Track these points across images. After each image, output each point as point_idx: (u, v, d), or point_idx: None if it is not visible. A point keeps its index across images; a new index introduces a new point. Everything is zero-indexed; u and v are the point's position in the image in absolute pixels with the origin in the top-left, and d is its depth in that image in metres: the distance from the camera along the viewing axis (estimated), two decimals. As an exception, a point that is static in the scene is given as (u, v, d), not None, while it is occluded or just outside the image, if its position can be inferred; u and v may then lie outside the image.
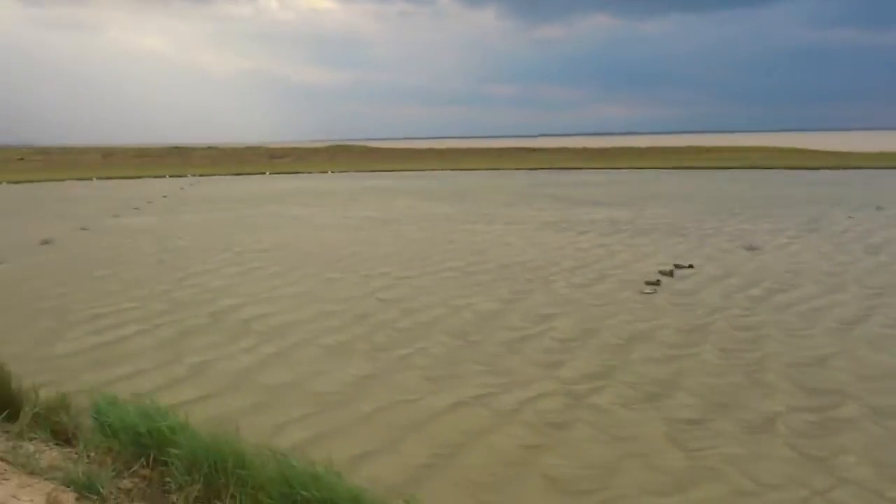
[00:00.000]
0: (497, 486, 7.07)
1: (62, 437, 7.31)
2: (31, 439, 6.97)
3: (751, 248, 20.90)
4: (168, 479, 6.19)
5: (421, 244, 22.62)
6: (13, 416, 7.53)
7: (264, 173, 70.65)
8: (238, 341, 12.09)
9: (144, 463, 6.46)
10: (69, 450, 6.94)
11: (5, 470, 5.81)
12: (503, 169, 72.34)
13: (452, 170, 72.51)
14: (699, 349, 11.39)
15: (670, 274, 17.09)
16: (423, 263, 19.16)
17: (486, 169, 72.80)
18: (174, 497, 5.90)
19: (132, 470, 6.40)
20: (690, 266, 18.11)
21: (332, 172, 71.46)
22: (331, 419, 8.75)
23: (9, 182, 59.85)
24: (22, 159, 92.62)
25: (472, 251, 21.14)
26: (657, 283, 16.17)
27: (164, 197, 42.92)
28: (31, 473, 5.93)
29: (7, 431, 7.17)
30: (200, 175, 68.04)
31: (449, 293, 15.47)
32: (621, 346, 11.58)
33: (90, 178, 63.81)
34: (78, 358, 11.21)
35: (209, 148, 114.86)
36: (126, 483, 6.16)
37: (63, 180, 61.95)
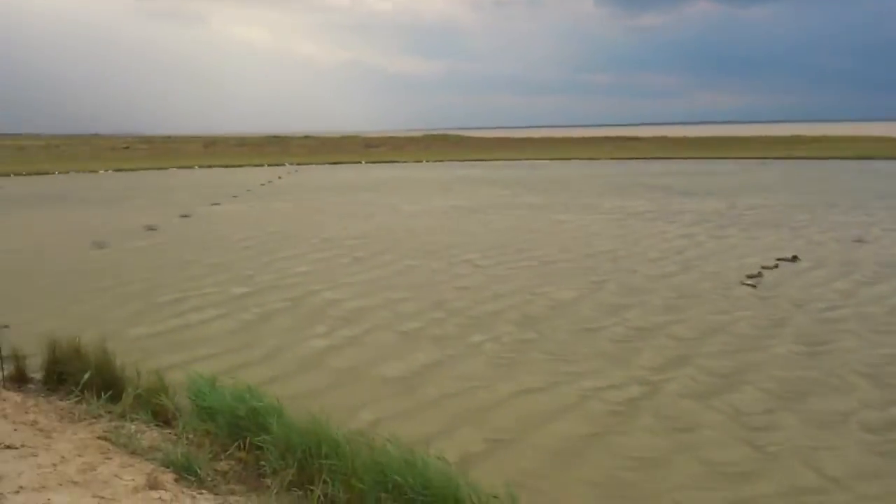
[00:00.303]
0: (549, 474, 7.12)
1: (162, 418, 7.55)
2: (132, 420, 7.22)
3: (857, 241, 20.20)
4: (263, 462, 6.31)
5: (505, 233, 22.74)
6: (116, 397, 7.80)
7: (360, 162, 71.40)
8: (314, 326, 12.41)
9: (240, 446, 6.60)
10: (168, 431, 7.16)
11: (108, 449, 6.01)
12: (598, 159, 71.55)
13: (546, 159, 72.02)
14: (781, 341, 11.24)
15: (774, 267, 16.57)
16: (505, 252, 19.27)
17: (580, 158, 72.14)
18: (269, 481, 6.00)
19: (228, 452, 6.53)
20: (795, 258, 17.54)
21: (427, 162, 71.76)
22: (396, 403, 8.92)
23: (115, 170, 61.85)
24: (127, 148, 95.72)
25: (555, 240, 21.17)
26: (759, 275, 15.72)
27: (262, 185, 43.79)
28: (133, 453, 6.14)
29: (110, 412, 7.43)
30: (298, 164, 69.13)
31: (527, 282, 15.57)
32: (697, 339, 11.47)
33: (192, 167, 65.48)
34: (162, 338, 11.68)
35: (307, 137, 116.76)
36: (223, 465, 6.31)
37: (166, 168, 63.77)
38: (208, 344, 11.32)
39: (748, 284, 14.93)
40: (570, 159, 71.42)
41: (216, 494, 5.65)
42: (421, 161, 72.88)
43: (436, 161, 72.33)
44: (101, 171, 60.70)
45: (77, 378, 8.32)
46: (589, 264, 17.48)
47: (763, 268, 16.53)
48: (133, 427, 6.97)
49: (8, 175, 55.05)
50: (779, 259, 17.46)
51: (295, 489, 5.89)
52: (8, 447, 5.79)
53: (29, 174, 57.07)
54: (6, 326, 9.08)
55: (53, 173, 58.28)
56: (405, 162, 71.76)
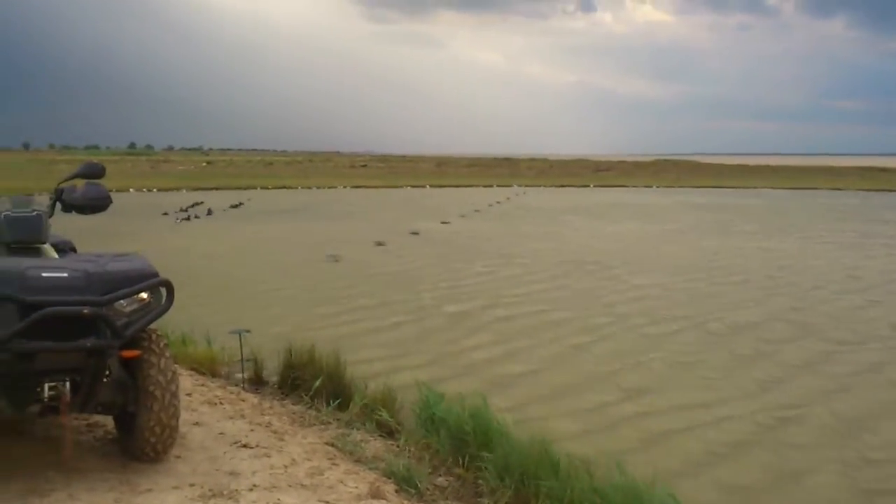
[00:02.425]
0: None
1: (385, 429, 7.71)
2: (358, 429, 7.39)
3: None
4: (481, 481, 6.28)
5: (689, 258, 22.48)
6: (344, 405, 8.06)
7: (588, 186, 71.05)
8: (518, 339, 12.66)
9: (460, 462, 6.61)
10: (391, 442, 7.31)
11: (335, 456, 6.19)
12: (842, 189, 67.56)
13: (783, 188, 68.77)
14: None
15: None
16: (687, 275, 19.32)
17: (822, 188, 68.38)
18: (485, 500, 5.96)
19: (447, 468, 6.57)
20: None
21: (657, 187, 70.36)
22: (604, 426, 8.85)
23: (352, 187, 64.83)
24: (365, 166, 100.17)
25: (742, 268, 20.75)
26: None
27: (490, 206, 44.44)
28: (357, 461, 6.28)
29: (338, 419, 7.67)
30: (526, 185, 69.71)
31: (704, 307, 15.43)
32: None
33: (424, 186, 67.52)
34: (385, 349, 11.96)
35: (536, 159, 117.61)
36: (441, 480, 6.35)
37: (400, 187, 66.07)
38: (425, 355, 11.56)
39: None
40: (810, 188, 67.92)
41: (433, 509, 5.68)
42: (651, 186, 71.54)
43: (666, 187, 70.81)
44: (340, 188, 63.85)
45: (309, 384, 8.68)
46: (774, 290, 17.00)
47: None
48: (358, 436, 7.16)
49: (256, 188, 59.07)
50: None
51: (509, 510, 5.83)
52: (244, 446, 6.09)
53: (274, 188, 61.00)
54: (248, 331, 9.61)
55: (296, 188, 61.92)
56: (634, 187, 70.62)
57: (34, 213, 5.47)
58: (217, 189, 56.66)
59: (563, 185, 70.09)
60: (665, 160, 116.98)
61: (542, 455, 6.23)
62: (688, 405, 9.54)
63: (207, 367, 9.38)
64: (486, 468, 6.28)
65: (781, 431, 8.71)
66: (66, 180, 6.10)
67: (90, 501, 4.94)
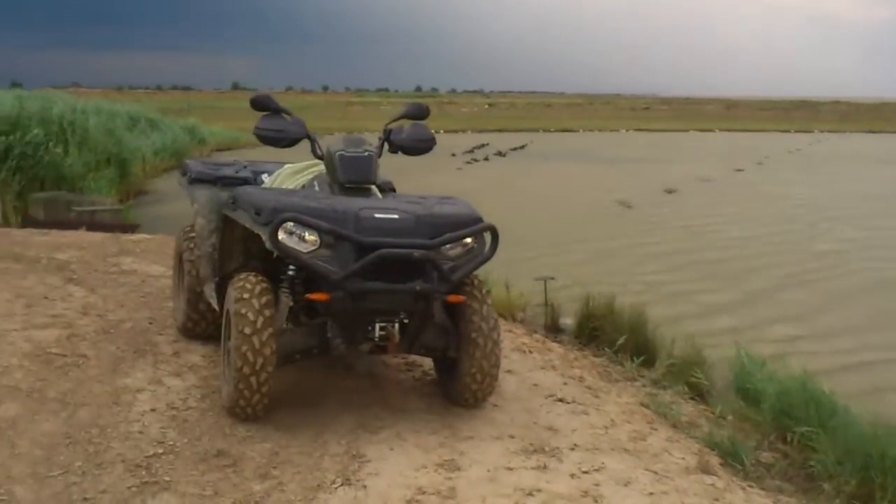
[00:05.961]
0: None
1: (695, 390, 7.29)
2: (666, 388, 7.03)
3: None
4: (811, 462, 5.72)
5: None
6: (648, 363, 7.70)
7: (897, 131, 65.27)
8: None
9: (786, 438, 6.09)
10: (703, 407, 6.89)
11: (653, 420, 5.86)
12: None
13: None
14: None
15: None
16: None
17: None
18: (825, 486, 5.37)
19: (770, 442, 6.09)
20: None
21: None
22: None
23: (635, 130, 63.49)
24: (647, 108, 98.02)
25: None
26: None
27: (790, 153, 41.76)
28: (674, 427, 5.90)
29: (643, 376, 7.34)
30: (828, 131, 64.98)
31: None
32: None
33: (712, 130, 64.77)
34: (685, 303, 11.23)
35: (839, 102, 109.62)
36: (766, 456, 5.87)
37: (685, 131, 63.77)
38: (735, 315, 10.58)
39: None
40: None
41: (763, 489, 5.18)
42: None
43: None
44: (622, 131, 62.75)
45: (609, 336, 8.37)
46: None
47: None
48: (667, 396, 6.78)
49: (537, 131, 59.22)
50: None
51: (855, 502, 5.21)
52: (560, 400, 5.85)
53: (556, 130, 60.92)
54: (552, 278, 9.44)
55: (578, 131, 61.49)
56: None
57: (366, 154, 5.45)
58: (500, 131, 57.24)
59: (871, 131, 64.65)
60: None
61: (887, 441, 5.53)
62: None
63: (507, 314, 9.29)
64: (820, 449, 5.67)
65: None
66: (394, 121, 6.08)
67: (416, 443, 4.94)
